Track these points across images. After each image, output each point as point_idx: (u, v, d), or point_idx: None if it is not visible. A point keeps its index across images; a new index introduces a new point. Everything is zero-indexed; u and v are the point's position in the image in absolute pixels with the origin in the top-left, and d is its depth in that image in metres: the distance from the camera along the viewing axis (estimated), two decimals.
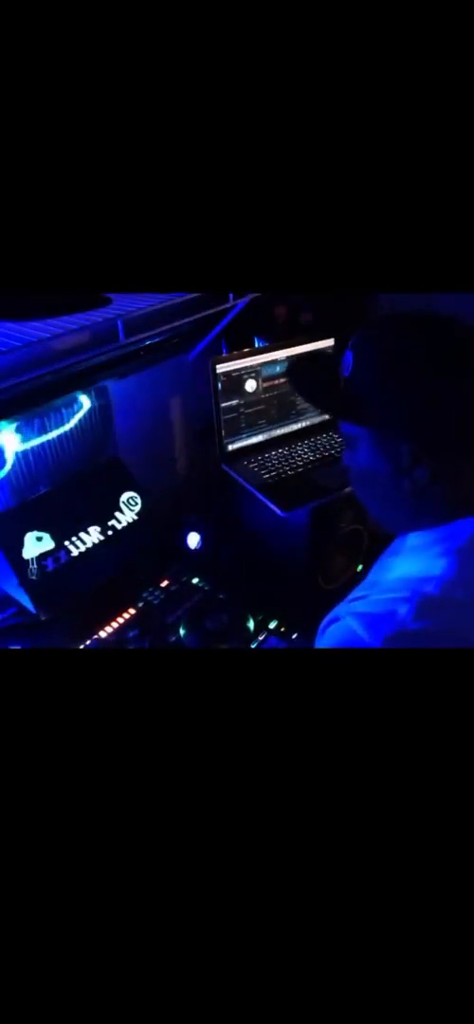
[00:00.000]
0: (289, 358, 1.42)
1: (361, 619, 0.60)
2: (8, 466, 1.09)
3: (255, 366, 1.39)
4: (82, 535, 1.12)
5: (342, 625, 0.62)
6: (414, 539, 0.67)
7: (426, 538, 0.65)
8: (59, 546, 1.08)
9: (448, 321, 0.64)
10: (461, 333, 0.63)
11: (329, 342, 1.49)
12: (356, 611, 0.62)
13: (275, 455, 1.38)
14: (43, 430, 1.15)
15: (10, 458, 1.09)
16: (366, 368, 0.65)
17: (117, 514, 1.18)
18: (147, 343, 1.11)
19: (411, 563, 0.65)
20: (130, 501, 1.21)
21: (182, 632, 1.03)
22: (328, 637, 0.63)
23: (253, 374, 1.39)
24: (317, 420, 1.50)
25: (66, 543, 1.09)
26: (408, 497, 0.66)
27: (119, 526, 1.17)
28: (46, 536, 1.07)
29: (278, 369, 1.42)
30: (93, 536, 1.13)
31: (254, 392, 1.40)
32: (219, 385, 1.34)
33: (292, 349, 1.43)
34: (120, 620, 1.08)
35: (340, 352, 0.69)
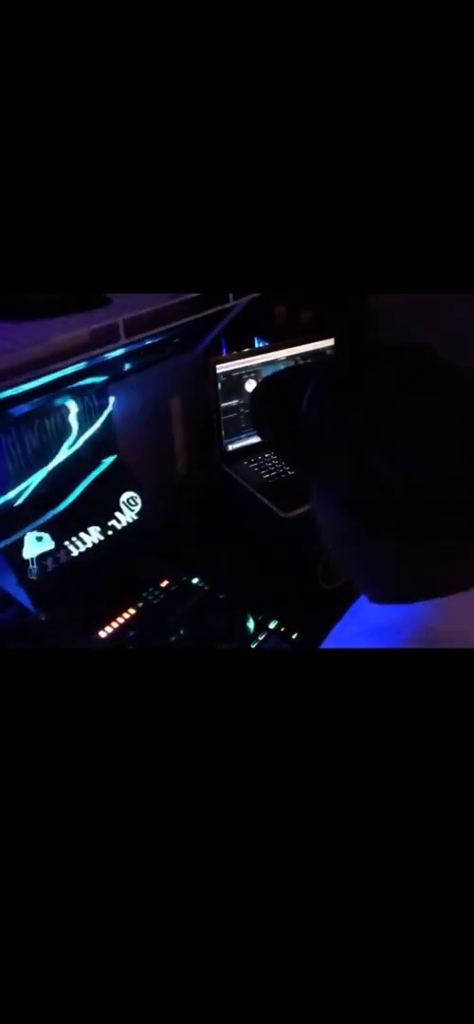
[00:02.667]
0: (293, 356, 1.42)
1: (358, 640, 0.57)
2: (8, 465, 1.09)
3: (255, 366, 1.39)
4: (82, 535, 1.12)
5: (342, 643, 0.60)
6: (374, 617, 0.59)
7: (383, 620, 0.57)
8: (59, 546, 1.08)
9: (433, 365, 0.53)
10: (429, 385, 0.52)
11: (329, 342, 1.49)
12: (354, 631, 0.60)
13: (275, 455, 1.38)
14: (43, 430, 1.15)
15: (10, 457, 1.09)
16: (314, 415, 0.55)
17: (117, 514, 1.18)
18: (147, 343, 1.11)
19: (369, 642, 0.58)
20: (130, 501, 1.21)
21: (182, 632, 1.03)
22: None
23: (253, 374, 1.39)
24: None
25: (66, 543, 1.09)
26: (355, 566, 0.60)
27: (119, 526, 1.17)
28: (46, 536, 1.07)
29: (276, 369, 1.42)
30: (93, 536, 1.13)
31: None
32: (219, 385, 1.34)
33: (292, 349, 1.43)
34: (120, 620, 1.08)
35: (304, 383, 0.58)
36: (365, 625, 0.60)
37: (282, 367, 1.40)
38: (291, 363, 1.43)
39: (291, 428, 0.57)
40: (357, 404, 0.53)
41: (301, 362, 1.44)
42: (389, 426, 0.50)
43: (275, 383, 0.70)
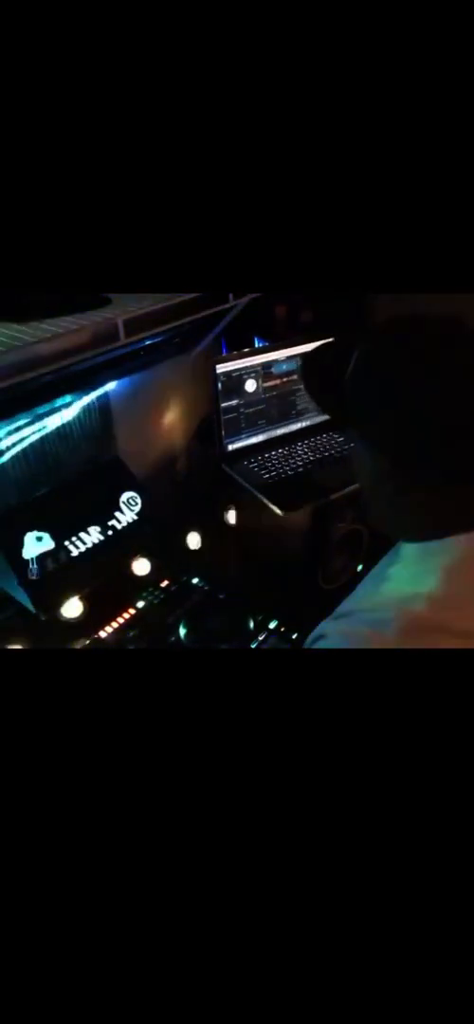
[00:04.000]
0: (293, 356, 1.42)
1: (346, 640, 0.60)
2: (8, 466, 1.09)
3: (255, 366, 1.39)
4: (82, 535, 1.12)
5: (329, 645, 0.62)
6: (406, 548, 0.67)
7: (417, 549, 0.65)
8: (59, 546, 1.08)
9: (463, 334, 0.61)
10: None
11: (329, 342, 1.49)
12: (342, 631, 0.63)
13: (275, 455, 1.38)
14: (43, 430, 1.15)
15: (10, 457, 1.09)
16: (360, 375, 0.65)
17: (117, 514, 1.18)
18: (147, 343, 1.11)
19: (402, 574, 0.64)
20: (130, 501, 1.21)
21: (182, 632, 1.03)
22: None
23: (253, 374, 1.39)
24: (317, 420, 1.50)
25: (66, 543, 1.09)
26: (391, 504, 0.67)
27: (119, 526, 1.17)
28: (46, 536, 1.07)
29: (278, 369, 1.42)
30: (93, 536, 1.13)
31: (254, 392, 1.40)
32: (219, 385, 1.34)
33: (292, 349, 1.43)
34: (120, 620, 1.08)
35: (351, 348, 0.68)
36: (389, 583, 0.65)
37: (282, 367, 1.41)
38: (295, 362, 1.43)
39: (339, 390, 0.66)
40: (399, 362, 0.61)
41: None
42: (428, 379, 0.59)
43: (321, 356, 0.82)
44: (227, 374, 1.35)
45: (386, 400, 0.62)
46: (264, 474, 1.32)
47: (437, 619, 0.58)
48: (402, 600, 0.60)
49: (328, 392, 0.74)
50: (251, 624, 1.05)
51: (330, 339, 0.85)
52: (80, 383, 1.15)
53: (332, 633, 0.63)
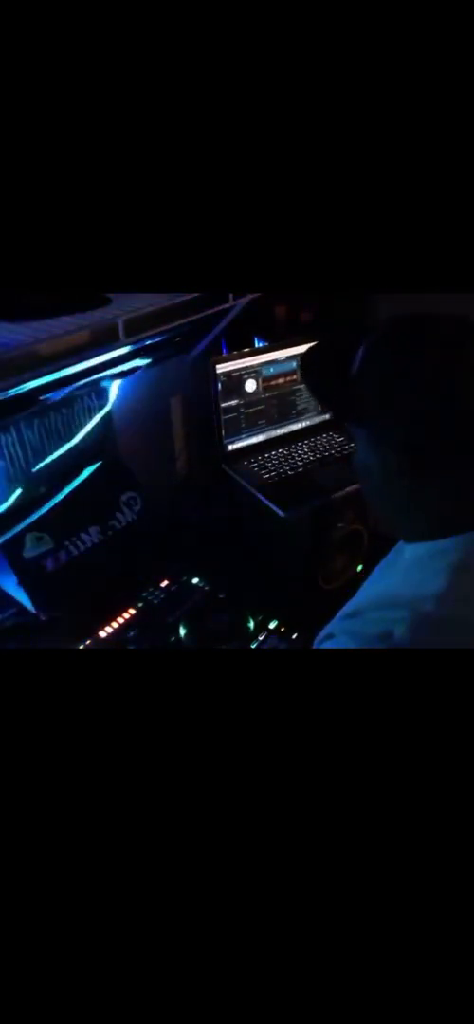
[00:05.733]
0: (293, 356, 1.42)
1: (356, 640, 0.60)
2: (8, 465, 1.09)
3: (255, 366, 1.39)
4: (82, 535, 1.12)
5: (338, 644, 0.62)
6: (411, 551, 0.66)
7: (424, 550, 0.64)
8: (59, 546, 1.08)
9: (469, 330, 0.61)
10: None
11: (329, 337, 1.49)
12: (352, 630, 0.62)
13: (275, 455, 1.38)
14: (43, 430, 1.15)
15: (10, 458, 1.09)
16: (370, 371, 0.64)
17: (117, 514, 1.18)
18: (147, 343, 1.11)
19: (408, 576, 0.64)
20: (130, 501, 1.21)
21: (182, 632, 1.03)
22: None
23: (253, 374, 1.39)
24: (317, 420, 1.50)
25: (66, 543, 1.09)
26: (401, 502, 0.65)
27: (119, 526, 1.17)
28: (46, 536, 1.07)
29: (276, 369, 1.42)
30: (93, 536, 1.13)
31: (254, 392, 1.40)
32: (219, 385, 1.34)
33: (292, 349, 1.43)
34: (120, 620, 1.08)
35: (355, 344, 0.67)
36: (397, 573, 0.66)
37: (282, 367, 1.41)
38: (294, 362, 1.43)
39: (342, 384, 0.65)
40: (412, 359, 0.60)
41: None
42: (441, 378, 0.58)
43: (321, 351, 0.80)
44: (227, 374, 1.35)
45: (399, 394, 0.61)
46: (264, 474, 1.32)
47: (448, 616, 0.58)
48: (412, 600, 0.60)
49: (330, 387, 0.73)
50: (251, 624, 1.05)
51: (330, 334, 0.85)
52: (80, 383, 1.15)
53: (340, 633, 0.63)
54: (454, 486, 0.62)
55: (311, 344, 0.84)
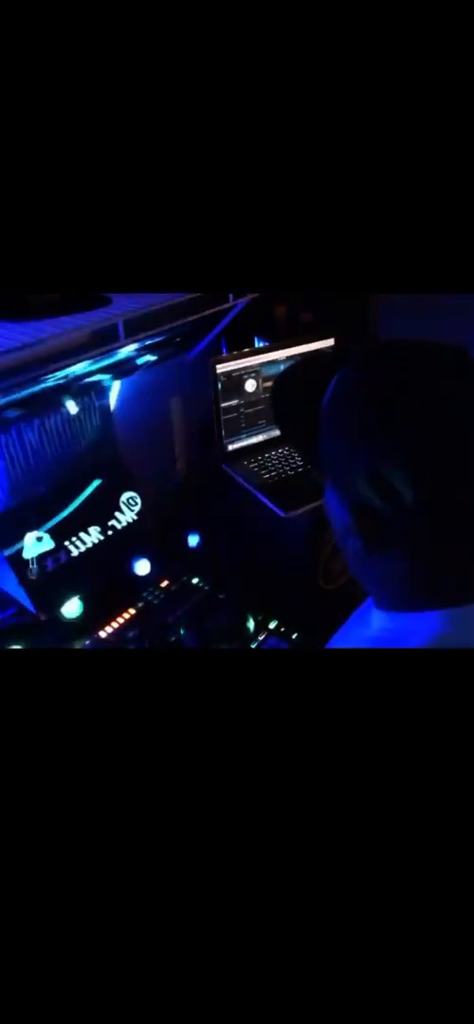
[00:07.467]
0: (293, 356, 1.42)
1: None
2: (8, 465, 1.09)
3: (255, 366, 1.39)
4: (82, 535, 1.12)
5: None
6: (376, 621, 0.58)
7: (386, 625, 0.56)
8: (59, 546, 1.08)
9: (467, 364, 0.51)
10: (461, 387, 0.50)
11: (329, 342, 1.49)
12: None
13: (275, 455, 1.39)
14: (43, 430, 1.15)
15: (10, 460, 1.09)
16: (335, 403, 0.54)
17: (117, 514, 1.18)
18: (147, 343, 1.11)
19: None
20: (130, 501, 1.21)
21: (182, 632, 1.03)
22: None
23: (253, 374, 1.39)
24: None
25: (66, 543, 1.09)
26: (364, 567, 0.58)
27: (119, 526, 1.17)
28: (46, 536, 1.07)
29: (276, 369, 1.42)
30: (93, 536, 1.13)
31: (254, 392, 1.40)
32: (219, 385, 1.34)
33: (292, 349, 1.43)
34: (120, 620, 1.08)
35: (328, 375, 0.57)
36: (372, 629, 0.59)
37: (282, 367, 1.41)
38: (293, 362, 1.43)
39: (310, 424, 0.56)
40: (375, 405, 0.51)
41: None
42: (410, 431, 0.48)
43: (296, 378, 0.69)
44: (227, 374, 1.35)
45: (362, 442, 0.51)
46: (264, 474, 1.32)
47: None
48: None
49: (296, 421, 0.63)
50: (251, 624, 1.05)
51: (309, 356, 0.75)
52: (80, 383, 1.15)
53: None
54: (421, 565, 0.52)
55: (285, 368, 0.74)
